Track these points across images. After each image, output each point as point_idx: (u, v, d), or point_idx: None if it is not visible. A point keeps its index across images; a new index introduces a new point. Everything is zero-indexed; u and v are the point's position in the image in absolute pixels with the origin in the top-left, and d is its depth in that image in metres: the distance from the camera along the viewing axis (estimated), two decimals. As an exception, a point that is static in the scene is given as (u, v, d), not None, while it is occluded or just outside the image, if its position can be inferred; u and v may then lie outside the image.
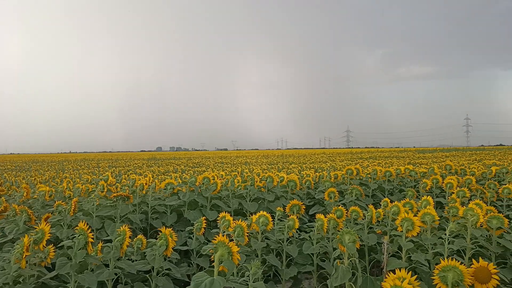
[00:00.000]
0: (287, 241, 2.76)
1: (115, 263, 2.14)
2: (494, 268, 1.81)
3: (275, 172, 5.70)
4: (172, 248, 2.42)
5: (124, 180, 6.11)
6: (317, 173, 6.24)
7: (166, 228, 2.45)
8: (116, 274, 2.17)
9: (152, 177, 6.36)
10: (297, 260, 2.78)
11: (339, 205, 3.07)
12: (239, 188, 4.21)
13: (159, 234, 2.41)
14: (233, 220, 2.63)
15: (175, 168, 12.95)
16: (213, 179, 3.99)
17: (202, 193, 3.84)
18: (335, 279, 2.00)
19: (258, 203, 3.97)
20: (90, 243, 2.01)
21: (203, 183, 4.00)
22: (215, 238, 1.90)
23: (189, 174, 7.92)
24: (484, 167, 6.49)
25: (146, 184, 3.96)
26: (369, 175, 5.10)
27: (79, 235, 1.98)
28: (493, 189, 4.24)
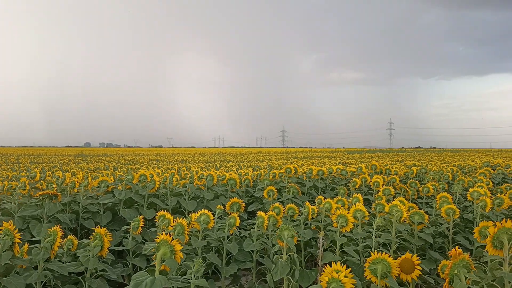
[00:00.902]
0: (227, 238, 2.78)
1: (45, 265, 2.00)
2: (417, 260, 2.00)
3: (213, 171, 5.69)
4: (107, 249, 2.32)
5: (49, 177, 5.69)
6: (255, 172, 6.35)
7: (100, 228, 2.34)
8: (46, 276, 2.02)
9: (82, 174, 6.00)
10: (237, 257, 2.81)
11: (277, 203, 3.16)
12: (177, 186, 4.13)
13: (91, 234, 2.30)
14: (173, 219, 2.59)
15: (106, 165, 12.31)
16: (151, 177, 3.88)
17: (139, 191, 3.71)
18: (275, 273, 2.06)
19: (197, 202, 3.94)
20: (17, 245, 1.85)
21: (139, 181, 3.87)
22: (157, 237, 1.87)
23: (122, 172, 7.59)
24: (406, 168, 7.08)
25: (78, 182, 3.73)
26: (304, 174, 5.30)
27: (5, 236, 1.81)
28: (414, 187, 4.65)
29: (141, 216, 2.88)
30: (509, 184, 4.75)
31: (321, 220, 3.07)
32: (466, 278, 1.51)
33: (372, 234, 2.57)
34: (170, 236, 1.90)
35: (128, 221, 3.30)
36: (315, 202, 3.30)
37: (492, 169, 6.95)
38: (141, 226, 2.83)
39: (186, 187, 3.96)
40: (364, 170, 5.91)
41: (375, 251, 2.20)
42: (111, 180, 4.12)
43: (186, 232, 2.43)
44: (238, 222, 2.81)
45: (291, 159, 16.04)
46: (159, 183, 3.93)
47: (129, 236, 2.82)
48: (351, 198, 3.46)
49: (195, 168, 8.38)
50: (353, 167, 6.65)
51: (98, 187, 3.84)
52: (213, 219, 2.75)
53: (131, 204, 3.75)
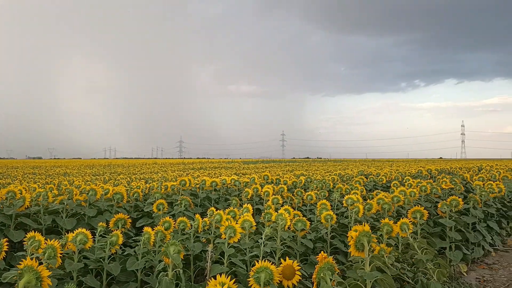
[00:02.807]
0: (109, 258, 2.58)
1: None
2: (298, 265, 2.12)
3: (99, 184, 5.28)
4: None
5: None
6: (147, 184, 6.08)
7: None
8: None
9: None
10: (120, 278, 2.62)
11: (168, 217, 3.06)
12: (54, 202, 3.72)
13: None
14: (45, 240, 2.31)
15: (-33, 180, 10.50)
16: (20, 193, 3.41)
17: (3, 210, 3.23)
18: (159, 292, 1.98)
19: (77, 219, 3.59)
20: None
21: (6, 198, 3.38)
22: (20, 263, 1.64)
23: (-13, 188, 6.55)
24: (295, 177, 7.54)
25: None
26: (197, 185, 5.26)
27: None
28: (300, 196, 4.97)
29: (5, 239, 2.50)
30: (379, 191, 5.40)
31: (211, 232, 3.06)
32: (331, 280, 1.65)
33: (261, 244, 2.65)
34: (38, 261, 1.69)
35: (-11, 246, 2.84)
36: (207, 214, 3.29)
37: (365, 177, 7.83)
38: (5, 250, 2.46)
39: (64, 203, 3.59)
40: (256, 181, 6.12)
41: (262, 259, 2.28)
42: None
43: (59, 255, 2.19)
44: (121, 239, 2.63)
45: (188, 170, 15.84)
46: (30, 199, 3.48)
47: (-11, 263, 2.43)
48: (242, 208, 3.54)
49: (79, 182, 7.68)
50: (247, 178, 6.84)
51: (-51, 207, 3.24)
52: (93, 238, 2.53)
53: (-6, 225, 3.25)
